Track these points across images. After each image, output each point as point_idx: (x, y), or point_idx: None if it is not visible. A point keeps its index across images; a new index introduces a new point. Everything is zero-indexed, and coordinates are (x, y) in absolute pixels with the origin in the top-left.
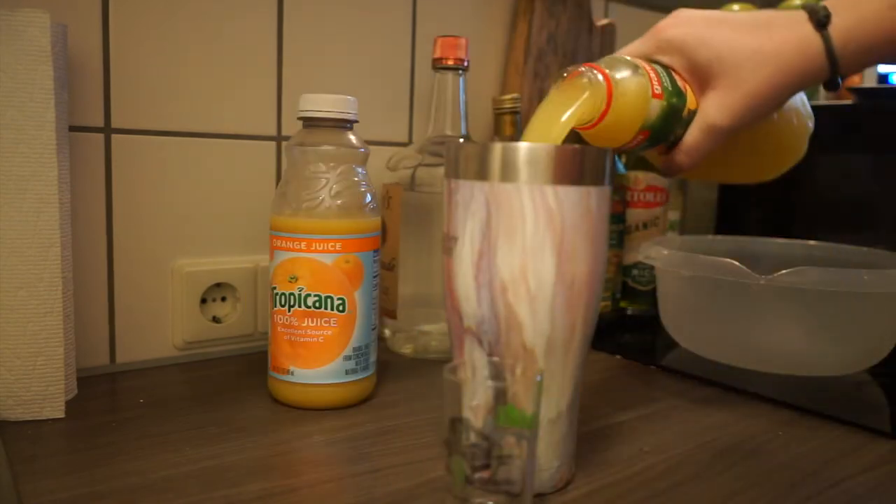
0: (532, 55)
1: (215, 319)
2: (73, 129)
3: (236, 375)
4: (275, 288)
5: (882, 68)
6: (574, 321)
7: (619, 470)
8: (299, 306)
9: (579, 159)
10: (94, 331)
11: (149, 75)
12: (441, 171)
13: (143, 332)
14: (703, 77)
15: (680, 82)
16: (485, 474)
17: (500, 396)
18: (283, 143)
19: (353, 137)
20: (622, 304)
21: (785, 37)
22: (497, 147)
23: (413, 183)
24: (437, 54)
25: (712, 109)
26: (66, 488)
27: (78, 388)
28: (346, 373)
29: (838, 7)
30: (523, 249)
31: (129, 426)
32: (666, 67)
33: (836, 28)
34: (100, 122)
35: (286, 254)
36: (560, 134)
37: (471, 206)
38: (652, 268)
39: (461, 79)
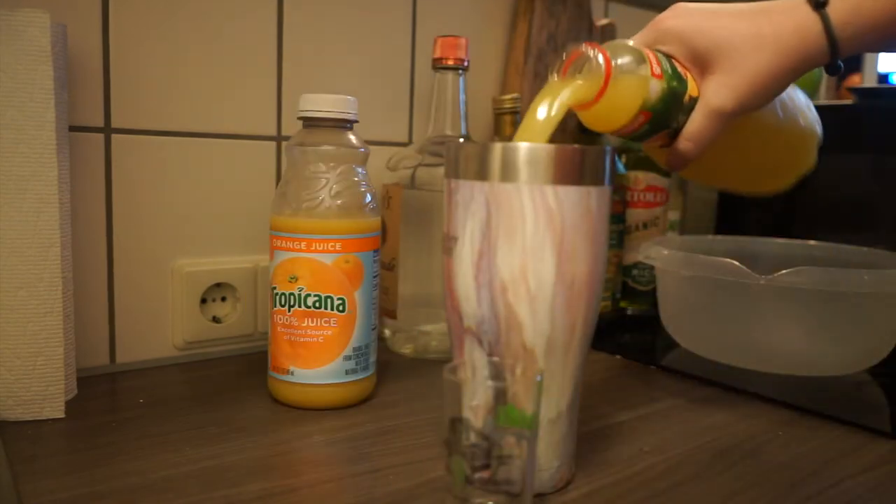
0: (532, 55)
1: (215, 319)
2: (73, 129)
3: (236, 375)
4: (275, 288)
5: (882, 68)
6: (574, 321)
7: (619, 470)
8: (299, 306)
9: (579, 159)
10: (94, 331)
11: (149, 75)
12: (441, 170)
13: (143, 332)
14: (703, 63)
15: (681, 69)
16: (485, 474)
17: (500, 396)
18: (283, 143)
19: (353, 137)
20: (622, 304)
21: (783, 20)
22: (497, 147)
23: (413, 183)
24: (437, 54)
25: (713, 93)
26: (66, 488)
27: (78, 388)
28: (346, 373)
29: None
30: (523, 249)
31: (129, 426)
32: (667, 56)
33: (834, 9)
34: (100, 122)
35: (286, 254)
36: (556, 118)
37: (471, 206)
38: (652, 268)
39: (461, 79)
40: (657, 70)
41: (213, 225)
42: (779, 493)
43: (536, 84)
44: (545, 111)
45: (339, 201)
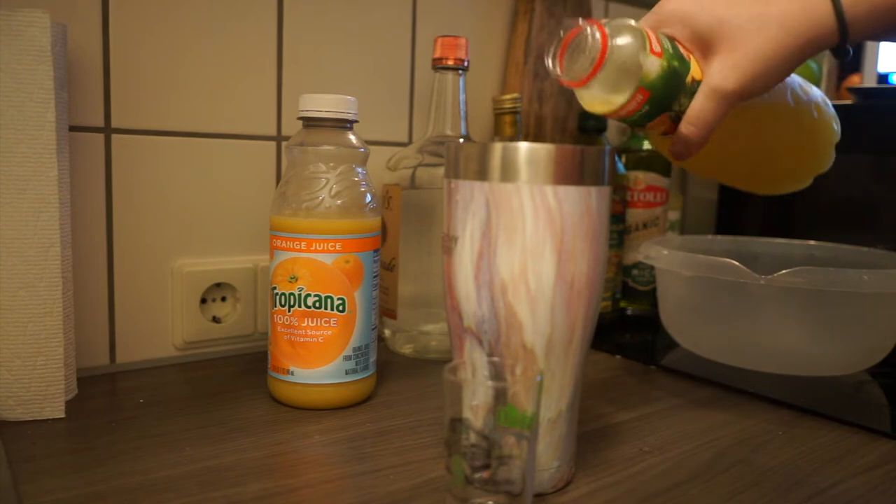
0: (532, 55)
1: (215, 319)
2: (73, 129)
3: (236, 375)
4: (275, 288)
5: (882, 68)
6: (574, 321)
7: (619, 470)
8: (299, 306)
9: (579, 159)
10: (94, 331)
11: (149, 75)
12: (441, 170)
13: (143, 332)
14: (705, 44)
15: (683, 51)
16: (485, 474)
17: (500, 396)
18: (283, 143)
19: (353, 137)
20: (622, 304)
21: None
22: (497, 147)
23: (413, 183)
24: (437, 54)
25: (716, 73)
26: (66, 488)
27: (78, 388)
28: (346, 373)
29: None
30: (523, 249)
31: (129, 426)
32: (670, 38)
33: None
34: (100, 122)
35: (286, 254)
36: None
37: (471, 206)
38: (652, 268)
39: (461, 79)
40: (656, 48)
41: (213, 225)
42: (779, 493)
43: (536, 84)
44: None
45: (339, 201)
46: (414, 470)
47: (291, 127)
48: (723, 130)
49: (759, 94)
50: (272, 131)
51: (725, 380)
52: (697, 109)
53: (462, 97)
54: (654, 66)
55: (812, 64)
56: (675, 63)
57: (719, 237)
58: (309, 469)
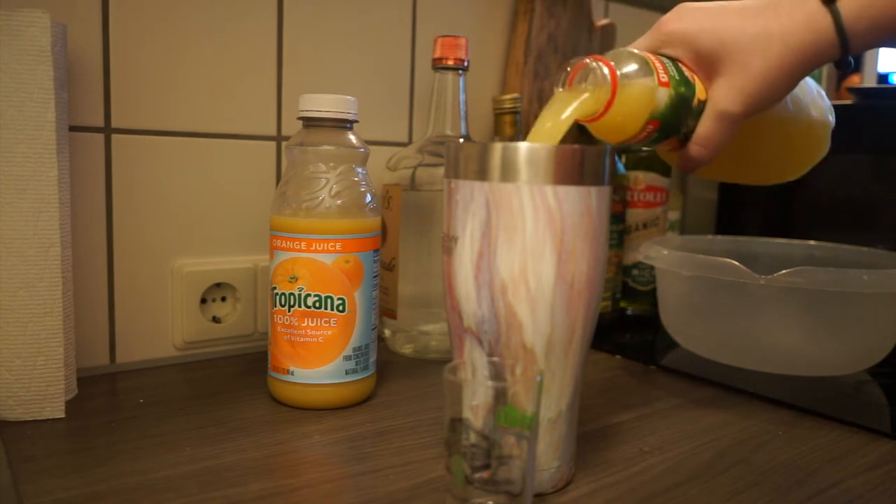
0: (532, 55)
1: (215, 319)
2: (73, 129)
3: (236, 375)
4: (275, 288)
5: (882, 68)
6: (574, 321)
7: (619, 470)
8: (299, 306)
9: (579, 159)
10: (94, 331)
11: (149, 75)
12: (441, 170)
13: (143, 332)
14: (709, 65)
15: (687, 73)
16: (485, 474)
17: (500, 396)
18: (283, 143)
19: (353, 137)
20: (622, 304)
21: (791, 15)
22: (497, 147)
23: (413, 183)
24: (437, 54)
25: (721, 96)
26: (66, 488)
27: (78, 388)
28: (346, 373)
29: None
30: (523, 249)
31: (129, 426)
32: (672, 60)
33: (844, 3)
34: (100, 122)
35: (286, 254)
36: (559, 130)
37: (471, 206)
38: (652, 268)
39: (461, 79)
40: (664, 78)
41: (213, 225)
42: (779, 493)
43: (536, 84)
44: (552, 124)
45: (339, 201)
46: (414, 470)
47: (291, 127)
48: (726, 144)
49: (764, 110)
50: (272, 131)
51: (725, 380)
52: (706, 131)
53: (462, 97)
54: (663, 97)
55: None
56: (682, 89)
57: (719, 237)
58: (309, 469)
